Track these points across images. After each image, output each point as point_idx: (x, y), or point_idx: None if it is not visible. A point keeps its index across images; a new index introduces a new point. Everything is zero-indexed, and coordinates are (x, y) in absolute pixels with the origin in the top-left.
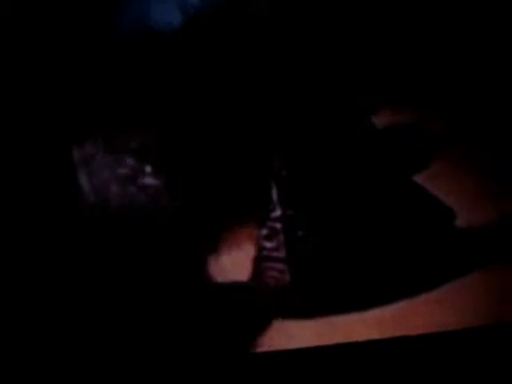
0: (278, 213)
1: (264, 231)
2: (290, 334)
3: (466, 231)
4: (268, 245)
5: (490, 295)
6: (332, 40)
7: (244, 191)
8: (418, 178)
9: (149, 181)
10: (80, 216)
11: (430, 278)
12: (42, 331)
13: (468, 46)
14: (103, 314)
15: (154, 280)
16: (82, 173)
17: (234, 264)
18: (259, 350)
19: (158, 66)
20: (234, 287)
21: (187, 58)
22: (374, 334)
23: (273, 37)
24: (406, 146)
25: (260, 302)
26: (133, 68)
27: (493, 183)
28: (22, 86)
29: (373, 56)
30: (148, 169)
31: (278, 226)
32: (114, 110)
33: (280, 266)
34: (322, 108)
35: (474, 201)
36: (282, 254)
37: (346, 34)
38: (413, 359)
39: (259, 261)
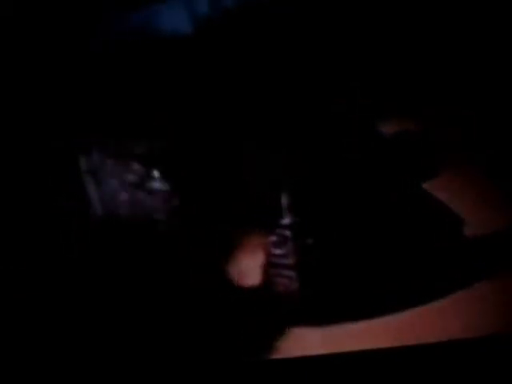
0: (287, 220)
1: (273, 238)
2: (298, 341)
3: (473, 240)
4: (277, 252)
5: (496, 305)
6: (338, 51)
7: (254, 198)
8: (425, 187)
9: (156, 185)
10: (90, 226)
11: (437, 288)
12: (43, 333)
13: (473, 55)
14: (113, 324)
15: (165, 286)
16: (90, 183)
17: (243, 270)
18: (267, 356)
19: (164, 72)
20: (243, 293)
21: (196, 65)
22: (381, 343)
23: (280, 47)
24: (413, 155)
25: (269, 308)
26: (139, 73)
27: (500, 191)
28: (24, 92)
29: (379, 65)
30: (155, 173)
31: (288, 233)
32: (119, 117)
33: (289, 272)
34: (331, 117)
35: (480, 209)
36: (290, 261)
37: (352, 44)
38: (419, 368)
39: (268, 268)
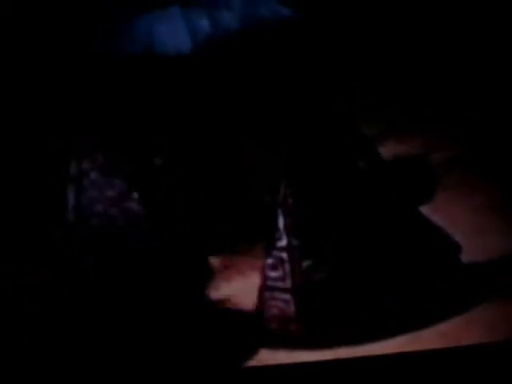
0: (283, 242)
1: (269, 260)
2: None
3: (472, 264)
4: (273, 274)
5: (495, 329)
6: (338, 52)
7: (250, 220)
8: (424, 209)
9: (132, 206)
10: (61, 229)
11: (436, 312)
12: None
13: (473, 55)
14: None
15: (150, 303)
16: (71, 188)
17: (238, 293)
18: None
19: (160, 88)
20: (237, 316)
21: (195, 83)
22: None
23: (280, 66)
24: (411, 178)
25: (263, 331)
26: (134, 88)
27: (499, 215)
28: (22, 92)
29: (377, 84)
30: (135, 195)
31: (284, 255)
32: (115, 130)
33: (285, 296)
34: (328, 138)
35: (479, 233)
36: (287, 284)
37: (352, 45)
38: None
39: (264, 290)
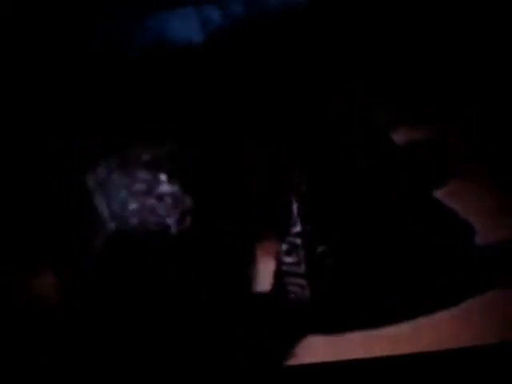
0: (298, 228)
1: (284, 246)
2: (309, 349)
3: (485, 249)
4: (288, 260)
5: (506, 314)
6: (338, 51)
7: (265, 206)
8: (438, 195)
9: (166, 188)
10: (103, 242)
11: (448, 296)
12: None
13: (484, 62)
14: (123, 336)
15: (177, 294)
16: (99, 197)
17: (254, 278)
18: (278, 363)
19: (173, 80)
20: (254, 301)
21: (207, 74)
22: (391, 350)
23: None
24: (425, 163)
25: (280, 316)
26: (146, 81)
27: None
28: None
29: (390, 72)
30: (162, 177)
31: (298, 241)
32: (122, 126)
33: (300, 281)
34: (343, 125)
35: (493, 218)
36: (302, 269)
37: (361, 50)
38: (427, 376)
39: (279, 275)
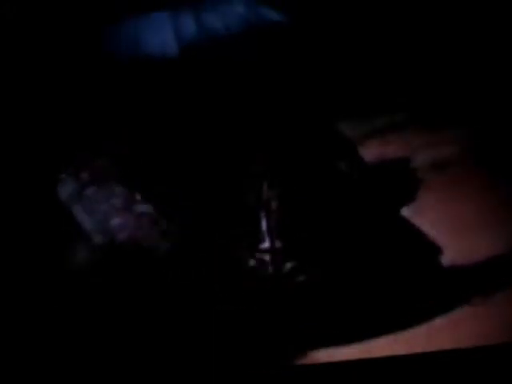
0: (266, 244)
1: (252, 262)
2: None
3: (453, 266)
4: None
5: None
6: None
7: (233, 222)
8: (406, 211)
9: (142, 208)
10: (88, 255)
11: (415, 314)
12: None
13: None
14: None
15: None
16: (77, 210)
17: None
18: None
19: (149, 93)
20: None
21: (181, 87)
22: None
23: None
24: (393, 179)
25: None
26: (124, 93)
27: (482, 214)
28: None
29: (360, 87)
30: (137, 196)
31: (267, 257)
32: (96, 140)
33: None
34: (310, 140)
35: (462, 232)
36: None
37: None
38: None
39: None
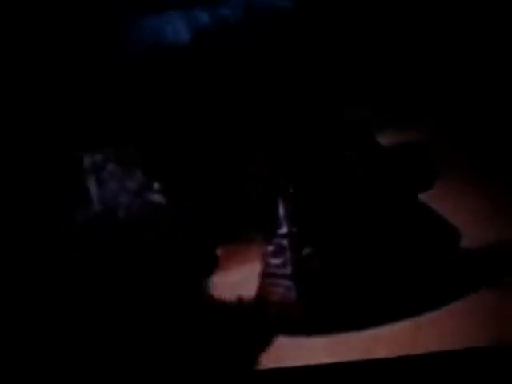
0: (284, 229)
1: (270, 248)
2: (300, 351)
3: (472, 252)
4: (274, 261)
5: (492, 317)
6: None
7: (251, 207)
8: (423, 198)
9: (155, 198)
10: (86, 222)
11: (434, 298)
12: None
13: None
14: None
15: (157, 293)
16: (91, 180)
17: (240, 280)
18: (267, 366)
19: (169, 82)
20: (240, 303)
21: (196, 73)
22: (380, 353)
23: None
24: (411, 166)
25: (265, 317)
26: (145, 84)
27: (498, 203)
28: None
29: (376, 76)
30: (155, 186)
31: (285, 242)
32: (125, 124)
33: (286, 282)
34: (328, 127)
35: (479, 221)
36: (288, 270)
37: (348, 52)
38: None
39: (265, 277)
